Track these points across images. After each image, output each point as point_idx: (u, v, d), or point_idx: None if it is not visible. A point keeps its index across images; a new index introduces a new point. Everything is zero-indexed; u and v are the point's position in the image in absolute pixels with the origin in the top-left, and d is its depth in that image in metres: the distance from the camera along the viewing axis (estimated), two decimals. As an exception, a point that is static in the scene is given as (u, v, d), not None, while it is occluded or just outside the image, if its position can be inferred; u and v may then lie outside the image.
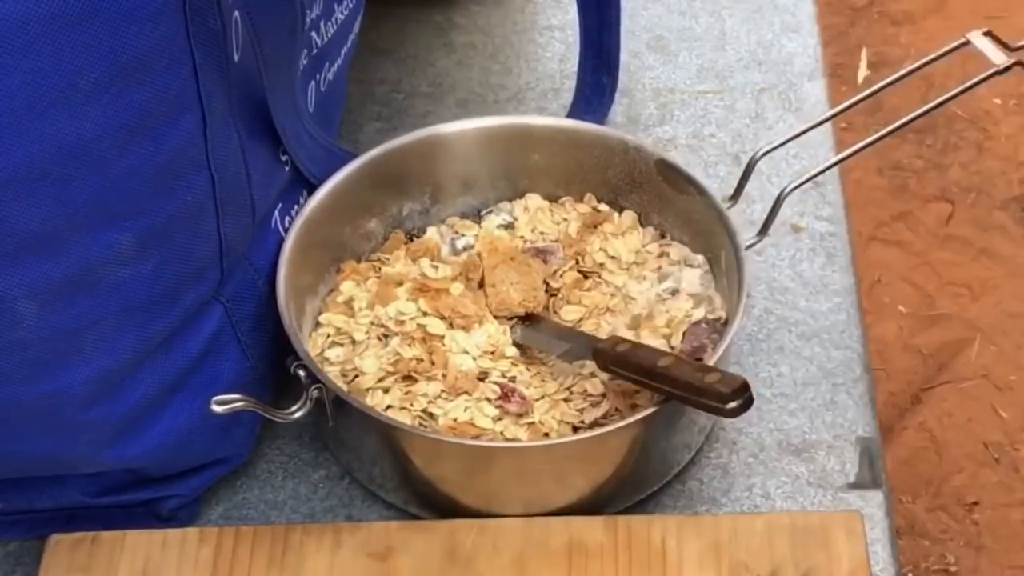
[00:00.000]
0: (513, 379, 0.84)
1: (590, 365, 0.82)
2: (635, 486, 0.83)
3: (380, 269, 0.90)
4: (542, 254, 0.90)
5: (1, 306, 0.69)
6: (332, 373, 0.84)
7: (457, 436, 0.81)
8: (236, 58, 0.75)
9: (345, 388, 0.82)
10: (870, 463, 0.85)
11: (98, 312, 0.72)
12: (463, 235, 0.91)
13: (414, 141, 0.91)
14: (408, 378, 0.83)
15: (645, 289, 0.88)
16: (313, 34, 0.86)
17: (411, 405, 0.82)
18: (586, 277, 0.89)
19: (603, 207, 0.92)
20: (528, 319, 0.87)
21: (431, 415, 0.82)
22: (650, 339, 0.84)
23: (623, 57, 1.01)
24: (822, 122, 0.93)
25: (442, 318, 0.86)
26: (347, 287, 0.88)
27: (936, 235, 2.04)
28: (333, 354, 0.85)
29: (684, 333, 0.85)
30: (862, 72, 2.23)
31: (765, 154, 0.89)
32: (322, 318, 0.87)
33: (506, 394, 0.82)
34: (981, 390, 1.86)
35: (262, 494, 0.86)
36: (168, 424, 0.78)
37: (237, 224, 0.78)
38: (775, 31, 1.11)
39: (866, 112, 2.04)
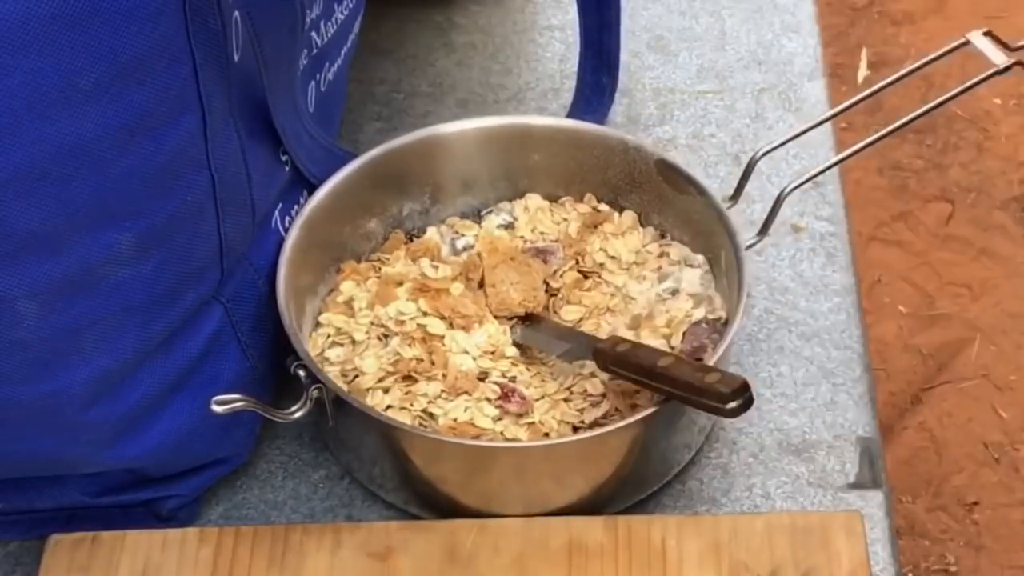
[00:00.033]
0: (513, 379, 0.84)
1: (590, 365, 0.82)
2: (635, 486, 0.83)
3: (380, 269, 0.90)
4: (542, 254, 0.90)
5: (1, 306, 0.69)
6: (332, 373, 0.84)
7: (457, 436, 0.81)
8: (236, 58, 0.75)
9: (345, 388, 0.82)
10: (870, 463, 0.85)
11: (98, 312, 0.72)
12: (463, 235, 0.91)
13: (414, 141, 0.91)
14: (408, 378, 0.83)
15: (645, 289, 0.88)
16: (313, 34, 0.86)
17: (411, 405, 0.82)
18: (586, 277, 0.89)
19: (603, 207, 0.92)
20: (528, 319, 0.87)
21: (431, 415, 0.82)
22: (650, 339, 0.84)
23: (623, 57, 1.01)
24: (822, 122, 0.93)
25: (442, 318, 0.86)
26: (347, 287, 0.88)
27: (936, 235, 2.04)
28: (333, 354, 0.85)
29: (684, 333, 0.85)
30: (862, 72, 2.23)
31: (765, 154, 0.89)
32: (322, 318, 0.87)
33: (506, 394, 0.82)
34: (981, 390, 1.86)
35: (262, 494, 0.86)
36: (168, 424, 0.78)
37: (237, 224, 0.78)
38: (775, 31, 1.11)
39: (866, 112, 2.04)
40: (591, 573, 0.78)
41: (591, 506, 0.81)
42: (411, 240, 0.92)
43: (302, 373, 0.80)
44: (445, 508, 0.81)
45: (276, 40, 0.79)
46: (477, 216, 0.93)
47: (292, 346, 0.80)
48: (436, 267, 0.89)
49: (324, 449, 0.87)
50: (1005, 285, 1.98)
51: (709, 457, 0.86)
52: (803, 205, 0.98)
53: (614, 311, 0.87)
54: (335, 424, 0.82)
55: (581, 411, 0.82)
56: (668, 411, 0.79)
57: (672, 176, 0.89)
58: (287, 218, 0.85)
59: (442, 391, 0.83)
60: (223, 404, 0.76)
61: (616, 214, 0.92)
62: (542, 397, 0.83)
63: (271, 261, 0.83)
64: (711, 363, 0.78)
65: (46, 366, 0.72)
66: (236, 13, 0.74)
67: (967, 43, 0.89)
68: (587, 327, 0.86)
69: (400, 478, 0.83)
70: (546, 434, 0.81)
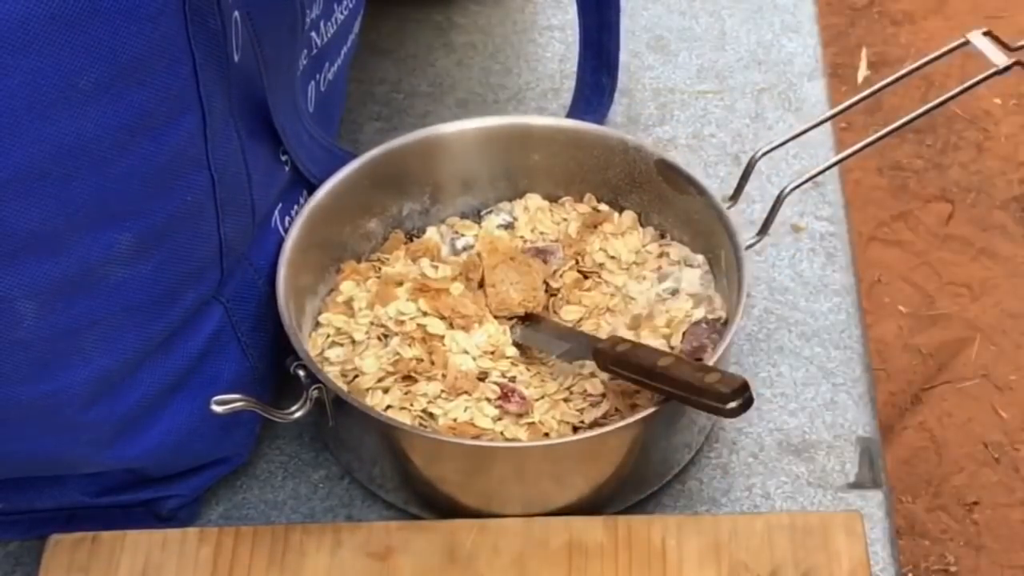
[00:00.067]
0: (513, 379, 0.84)
1: (590, 365, 0.82)
2: (635, 486, 0.83)
3: (380, 269, 0.90)
4: (542, 254, 0.90)
5: (1, 306, 0.69)
6: (332, 373, 0.84)
7: (457, 436, 0.80)
8: (236, 58, 0.75)
9: (345, 388, 0.82)
10: (870, 463, 0.85)
11: (98, 312, 0.72)
12: (463, 235, 0.91)
13: (414, 141, 0.91)
14: (408, 378, 0.83)
15: (645, 289, 0.88)
16: (313, 34, 0.86)
17: (411, 405, 0.82)
18: (586, 277, 0.89)
19: (603, 207, 0.92)
20: (528, 319, 0.87)
21: (431, 415, 0.82)
22: (650, 339, 0.84)
23: (623, 57, 1.01)
24: (822, 122, 0.93)
25: (442, 318, 0.86)
26: (347, 287, 0.88)
27: (936, 235, 2.04)
28: (333, 354, 0.85)
29: (684, 333, 0.85)
30: (862, 72, 2.23)
31: (765, 154, 0.89)
32: (322, 318, 0.87)
33: (506, 394, 0.82)
34: (981, 390, 1.86)
35: (262, 494, 0.86)
36: (168, 424, 0.78)
37: (237, 224, 0.78)
38: (775, 31, 1.11)
39: (866, 112, 2.04)
40: (591, 573, 0.78)
41: (591, 506, 0.81)
42: (411, 240, 0.92)
43: (302, 373, 0.80)
44: (445, 508, 0.81)
45: (276, 40, 0.79)
46: (477, 216, 0.93)
47: (292, 346, 0.80)
48: (436, 267, 0.89)
49: (324, 449, 0.87)
50: (1005, 285, 1.98)
51: (709, 457, 0.86)
52: (803, 205, 0.98)
53: (614, 311, 0.87)
54: (335, 424, 0.82)
55: (581, 411, 0.82)
56: (668, 411, 0.79)
57: (672, 176, 0.89)
58: (287, 218, 0.85)
59: (442, 391, 0.83)
60: (223, 404, 0.76)
61: (616, 214, 0.92)
62: (542, 397, 0.83)
63: (271, 261, 0.83)
64: (711, 363, 0.78)
65: (46, 366, 0.72)
66: (236, 13, 0.74)
67: (967, 43, 0.89)
68: (587, 327, 0.86)
69: (400, 478, 0.83)
70: (546, 434, 0.81)
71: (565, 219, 0.92)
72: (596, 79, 1.00)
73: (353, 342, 0.86)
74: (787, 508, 0.83)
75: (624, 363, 0.79)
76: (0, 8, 0.63)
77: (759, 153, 0.88)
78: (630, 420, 0.78)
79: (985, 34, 0.88)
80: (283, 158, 0.84)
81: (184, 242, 0.75)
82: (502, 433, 0.81)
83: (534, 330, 0.87)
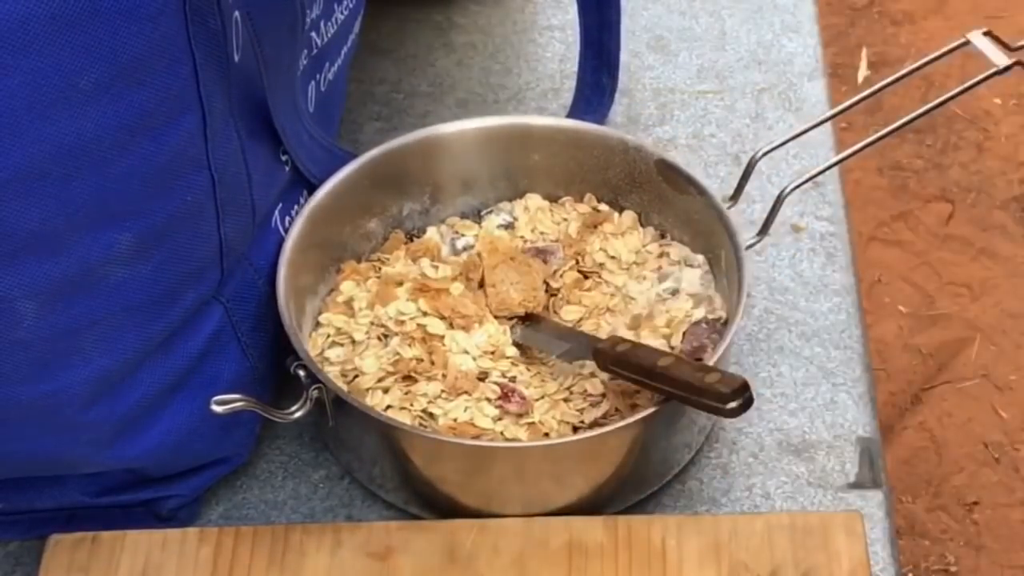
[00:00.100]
0: (513, 379, 0.84)
1: (590, 365, 0.82)
2: (635, 486, 0.83)
3: (380, 269, 0.90)
4: (542, 254, 0.90)
5: (1, 306, 0.69)
6: (332, 373, 0.84)
7: (457, 436, 0.80)
8: (236, 58, 0.75)
9: (345, 388, 0.82)
10: (870, 463, 0.85)
11: (98, 312, 0.72)
12: (463, 235, 0.91)
13: (414, 141, 0.91)
14: (408, 378, 0.83)
15: (645, 289, 0.88)
16: (313, 34, 0.86)
17: (411, 405, 0.82)
18: (586, 277, 0.89)
19: (603, 207, 0.92)
20: (528, 319, 0.87)
21: (431, 415, 0.82)
22: (650, 339, 0.84)
23: (623, 57, 1.01)
24: (822, 122, 0.93)
25: (442, 318, 0.86)
26: (347, 287, 0.88)
27: (936, 235, 2.04)
28: (333, 354, 0.85)
29: (684, 333, 0.85)
30: (862, 72, 2.23)
31: (765, 154, 0.89)
32: (322, 318, 0.87)
33: (506, 394, 0.82)
34: (981, 390, 1.86)
35: (262, 494, 0.86)
36: (168, 424, 0.78)
37: (237, 224, 0.78)
38: (775, 31, 1.11)
39: (866, 112, 2.04)
40: (591, 573, 0.78)
41: (591, 506, 0.81)
42: (411, 240, 0.92)
43: (302, 373, 0.80)
44: (445, 508, 0.81)
45: (276, 40, 0.79)
46: (477, 216, 0.93)
47: (292, 346, 0.80)
48: (436, 267, 0.89)
49: (324, 449, 0.87)
50: (1005, 285, 1.98)
51: (709, 457, 0.86)
52: (803, 205, 0.98)
53: (614, 311, 0.87)
54: (335, 424, 0.82)
55: (581, 411, 0.82)
56: (668, 411, 0.79)
57: (672, 176, 0.89)
58: (287, 218, 0.85)
59: (442, 391, 0.83)
60: (223, 404, 0.76)
61: (616, 214, 0.92)
62: (542, 397, 0.83)
63: (271, 261, 0.83)
64: (711, 363, 0.78)
65: (46, 366, 0.72)
66: (236, 13, 0.74)
67: (967, 43, 0.89)
68: (587, 327, 0.86)
69: (400, 478, 0.83)
70: (546, 434, 0.81)
71: (565, 219, 0.92)
72: (597, 79, 1.00)
73: (353, 342, 0.86)
74: (787, 508, 0.83)
75: (624, 363, 0.79)
76: (0, 8, 0.63)
77: (759, 153, 0.88)
78: (630, 420, 0.78)
79: (985, 34, 0.88)
80: (283, 158, 0.84)
81: (184, 242, 0.75)
82: (502, 433, 0.81)
83: (534, 330, 0.87)
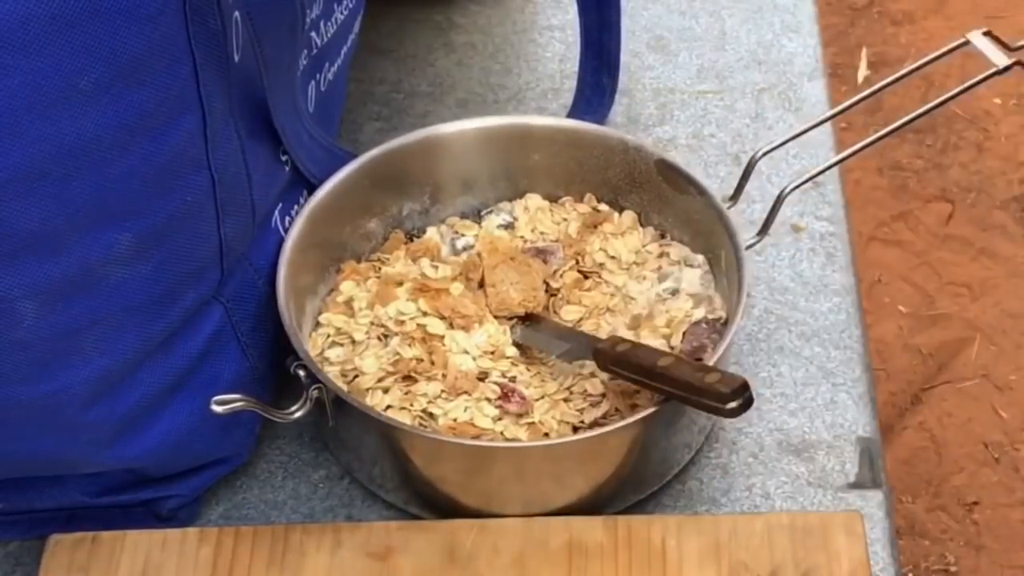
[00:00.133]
0: (513, 379, 0.84)
1: (590, 365, 0.82)
2: (635, 486, 0.83)
3: (380, 269, 0.90)
4: (542, 254, 0.90)
5: (1, 306, 0.69)
6: (332, 373, 0.84)
7: (457, 436, 0.80)
8: (236, 58, 0.75)
9: (345, 388, 0.82)
10: (870, 463, 0.85)
11: (98, 312, 0.72)
12: (463, 235, 0.91)
13: (414, 141, 0.91)
14: (408, 378, 0.83)
15: (645, 289, 0.88)
16: (313, 34, 0.86)
17: (411, 405, 0.82)
18: (586, 277, 0.89)
19: (603, 207, 0.92)
20: (528, 319, 0.87)
21: (431, 415, 0.82)
22: (650, 339, 0.84)
23: (623, 57, 1.01)
24: (822, 122, 0.93)
25: (442, 318, 0.86)
26: (347, 287, 0.88)
27: (936, 235, 2.04)
28: (333, 354, 0.85)
29: (684, 333, 0.85)
30: (862, 72, 2.23)
31: (765, 154, 0.89)
32: (322, 318, 0.87)
33: (506, 394, 0.82)
34: (981, 390, 1.86)
35: (262, 494, 0.86)
36: (168, 424, 0.78)
37: (237, 224, 0.78)
38: (775, 31, 1.11)
39: (866, 112, 2.04)
40: (591, 573, 0.77)
41: (591, 506, 0.81)
42: (411, 240, 0.92)
43: (302, 373, 0.80)
44: (445, 508, 0.81)
45: (276, 40, 0.79)
46: (477, 216, 0.93)
47: (292, 346, 0.80)
48: (436, 267, 0.89)
49: (324, 449, 0.87)
50: (1005, 285, 1.98)
51: (709, 457, 0.86)
52: (803, 205, 0.98)
53: (614, 311, 0.87)
54: (335, 424, 0.82)
55: (581, 411, 0.82)
56: (668, 411, 0.79)
57: (672, 176, 0.89)
58: (287, 218, 0.85)
59: (442, 391, 0.83)
60: (223, 404, 0.76)
61: (616, 214, 0.92)
62: (542, 397, 0.83)
63: (271, 261, 0.83)
64: (711, 363, 0.78)
65: (46, 366, 0.72)
66: (236, 13, 0.74)
67: (967, 43, 0.89)
68: (587, 327, 0.86)
69: (400, 478, 0.83)
70: (546, 434, 0.81)
71: (565, 219, 0.92)
72: (597, 79, 1.00)
73: (353, 342, 0.86)
74: (787, 508, 0.83)
75: (624, 363, 0.79)
76: (0, 8, 0.63)
77: (759, 153, 0.88)
78: (630, 420, 0.78)
79: (985, 34, 0.88)
80: (283, 158, 0.84)
81: (184, 242, 0.75)
82: (502, 433, 0.81)
83: (534, 330, 0.87)
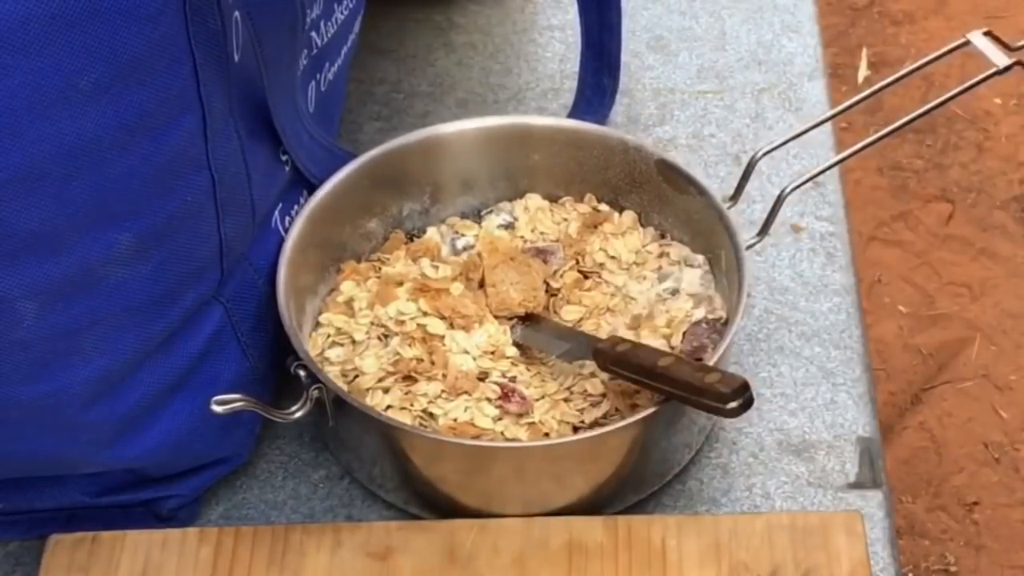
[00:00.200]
0: (513, 379, 0.84)
1: (590, 365, 0.82)
2: (635, 486, 0.83)
3: (380, 269, 0.90)
4: (542, 254, 0.90)
5: (1, 306, 0.69)
6: (332, 373, 0.84)
7: (457, 436, 0.80)
8: (236, 58, 0.75)
9: (345, 388, 0.82)
10: (870, 463, 0.85)
11: (98, 312, 0.72)
12: (463, 235, 0.91)
13: (414, 141, 0.91)
14: (408, 378, 0.83)
15: (645, 289, 0.88)
16: (313, 34, 0.86)
17: (411, 405, 0.82)
18: (586, 277, 0.89)
19: (603, 207, 0.92)
20: (528, 319, 0.87)
21: (431, 415, 0.82)
22: (650, 339, 0.84)
23: (623, 57, 1.01)
24: (822, 122, 0.93)
25: (442, 318, 0.86)
26: (347, 287, 0.88)
27: (936, 235, 2.05)
28: (333, 354, 0.85)
29: (684, 333, 0.85)
30: (862, 72, 2.23)
31: (765, 154, 0.89)
32: (322, 318, 0.87)
33: (506, 394, 0.82)
34: (981, 390, 1.86)
35: (262, 494, 0.86)
36: (168, 424, 0.78)
37: (237, 224, 0.78)
38: (775, 31, 1.11)
39: (866, 112, 2.04)
40: (591, 573, 0.78)
41: (591, 506, 0.81)
42: (411, 240, 0.92)
43: (302, 373, 0.80)
44: (445, 508, 0.81)
45: (276, 40, 0.79)
46: (477, 216, 0.93)
47: (292, 346, 0.80)
48: (436, 267, 0.89)
49: (324, 449, 0.87)
50: (1005, 285, 1.98)
51: (709, 457, 0.86)
52: (803, 205, 0.98)
53: (614, 311, 0.87)
54: (335, 424, 0.82)
55: (581, 411, 0.82)
56: (668, 411, 0.79)
57: (672, 176, 0.89)
58: (287, 218, 0.85)
59: (442, 391, 0.83)
60: (223, 404, 0.76)
61: (616, 214, 0.92)
62: (542, 397, 0.83)
63: (271, 261, 0.83)
64: (711, 363, 0.78)
65: (46, 366, 0.72)
66: (236, 13, 0.74)
67: (967, 43, 0.89)
68: (587, 327, 0.86)
69: (400, 478, 0.83)
70: (546, 434, 0.81)
71: (565, 219, 0.92)
72: (597, 80, 1.00)
73: (353, 342, 0.86)
74: (787, 508, 0.83)
75: (624, 363, 0.79)
76: (0, 8, 0.63)
77: (759, 153, 0.88)
78: (630, 420, 0.78)
79: (985, 34, 0.88)
80: (283, 158, 0.84)
81: (184, 242, 0.75)
82: (502, 433, 0.81)
83: (534, 330, 0.87)
